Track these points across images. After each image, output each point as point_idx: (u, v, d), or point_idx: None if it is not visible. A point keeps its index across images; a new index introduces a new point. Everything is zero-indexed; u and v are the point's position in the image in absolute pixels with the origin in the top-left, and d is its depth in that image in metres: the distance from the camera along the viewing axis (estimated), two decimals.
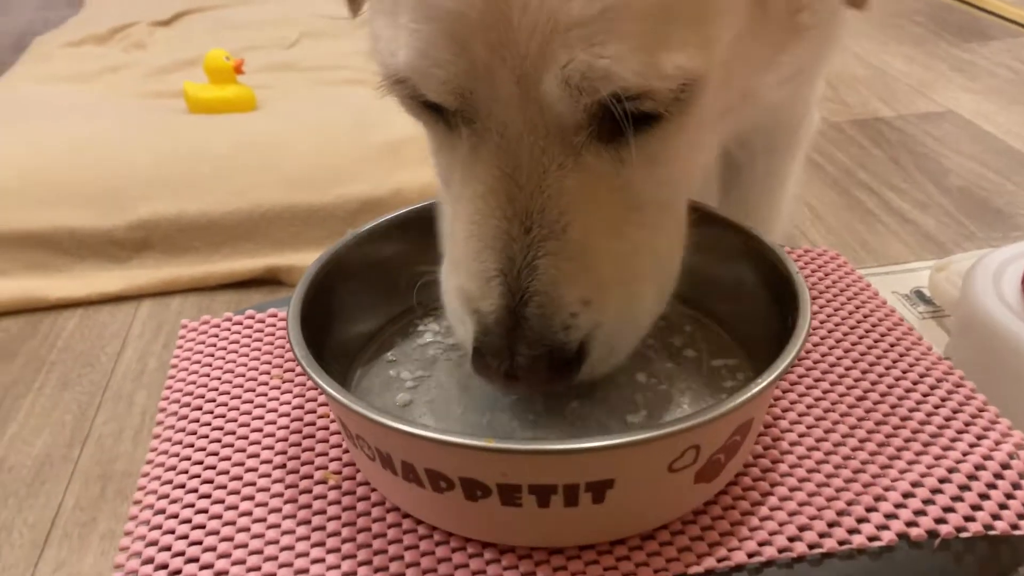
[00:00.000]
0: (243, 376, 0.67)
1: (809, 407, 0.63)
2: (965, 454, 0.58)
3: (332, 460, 0.60)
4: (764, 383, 0.50)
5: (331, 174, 1.33)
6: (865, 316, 0.72)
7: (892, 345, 0.68)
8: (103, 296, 1.25)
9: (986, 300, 0.96)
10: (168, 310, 1.24)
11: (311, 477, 0.58)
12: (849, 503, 0.55)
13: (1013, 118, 1.78)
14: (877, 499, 0.55)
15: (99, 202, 1.30)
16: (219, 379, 0.67)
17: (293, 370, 0.68)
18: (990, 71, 2.01)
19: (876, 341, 0.69)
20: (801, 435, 0.60)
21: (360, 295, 0.67)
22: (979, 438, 0.60)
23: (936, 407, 0.62)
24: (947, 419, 0.61)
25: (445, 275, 0.58)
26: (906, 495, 0.55)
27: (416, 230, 0.67)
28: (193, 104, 1.54)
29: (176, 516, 0.55)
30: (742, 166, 0.95)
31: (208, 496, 0.57)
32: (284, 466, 0.59)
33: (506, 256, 0.52)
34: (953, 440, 0.59)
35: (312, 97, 1.60)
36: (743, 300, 0.65)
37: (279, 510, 0.56)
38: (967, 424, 0.61)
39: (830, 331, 0.70)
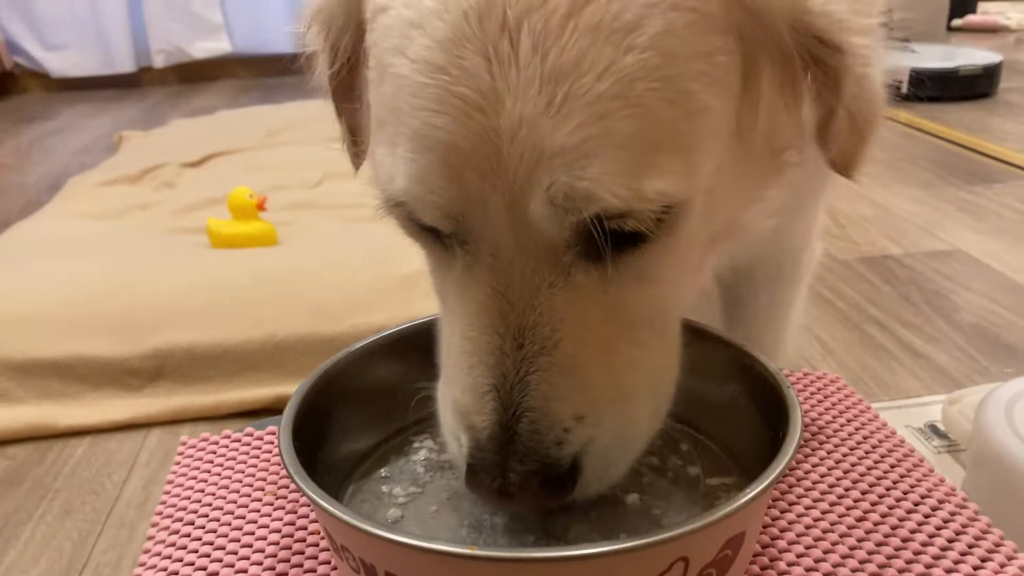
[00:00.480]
0: (237, 492, 0.67)
1: (808, 527, 0.62)
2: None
3: None
4: (753, 493, 0.50)
5: (347, 305, 1.36)
6: (865, 438, 0.71)
7: (892, 466, 0.67)
8: (113, 424, 1.25)
9: (999, 432, 0.94)
10: (177, 439, 1.22)
11: None
12: None
13: (1021, 257, 1.79)
14: None
15: (116, 332, 1.32)
16: (213, 495, 0.67)
17: (287, 487, 0.68)
18: (996, 212, 2.04)
19: (876, 462, 0.68)
20: (799, 555, 0.59)
21: (355, 412, 0.67)
22: (983, 560, 0.58)
23: (938, 528, 0.61)
24: (950, 540, 0.60)
25: (441, 390, 0.59)
26: None
27: (412, 348, 0.68)
28: (215, 239, 1.58)
29: None
30: (744, 298, 0.96)
31: None
32: None
33: (499, 372, 0.53)
34: (957, 562, 0.58)
35: (332, 233, 1.65)
36: (737, 418, 0.65)
37: None
38: (970, 547, 0.59)
39: (829, 452, 0.69)
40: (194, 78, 3.71)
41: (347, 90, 0.67)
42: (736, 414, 0.65)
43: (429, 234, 0.56)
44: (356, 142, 0.71)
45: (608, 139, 0.48)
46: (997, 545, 0.60)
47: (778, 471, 0.51)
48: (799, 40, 0.53)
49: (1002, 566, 0.58)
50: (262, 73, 3.75)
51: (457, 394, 0.55)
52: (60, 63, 3.63)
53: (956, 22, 3.96)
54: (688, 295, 0.62)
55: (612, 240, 0.51)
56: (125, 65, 3.66)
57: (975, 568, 0.58)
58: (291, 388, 1.26)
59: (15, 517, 1.06)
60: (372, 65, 0.55)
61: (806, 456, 0.68)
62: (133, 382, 1.30)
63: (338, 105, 0.70)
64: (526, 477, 0.52)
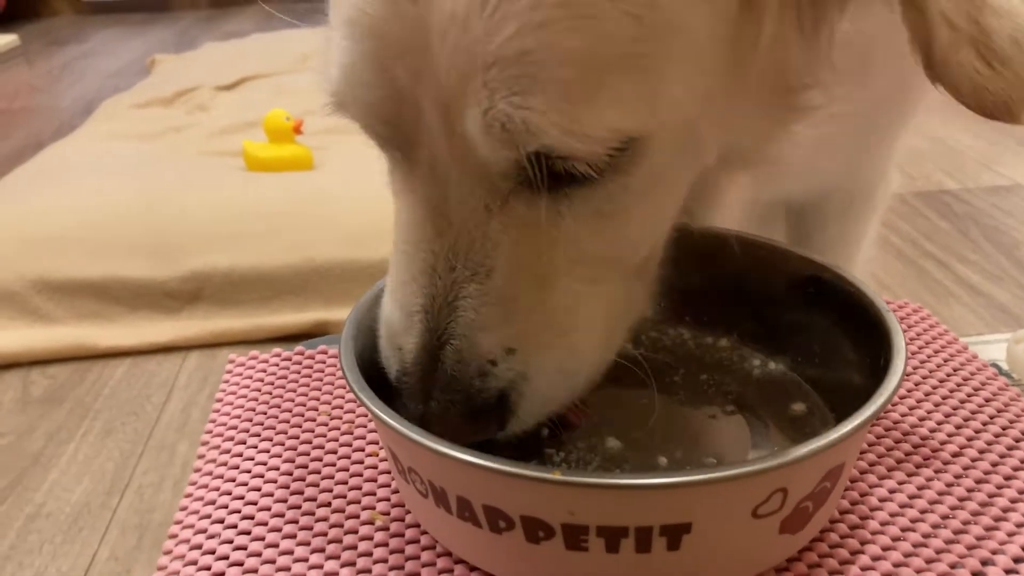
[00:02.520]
0: (289, 412, 0.64)
1: (900, 461, 0.57)
2: None
3: (380, 500, 0.56)
4: (857, 422, 0.45)
5: (384, 232, 1.32)
6: (955, 369, 0.67)
7: (987, 400, 0.63)
8: (152, 346, 1.24)
9: None
10: (215, 361, 1.22)
11: (357, 517, 0.54)
12: (952, 566, 0.49)
13: None
14: (984, 563, 0.49)
15: (154, 254, 1.30)
16: (264, 414, 0.64)
17: (342, 407, 0.65)
18: None
19: (969, 395, 0.63)
20: (892, 491, 0.55)
21: None
22: None
23: None
24: None
25: (383, 303, 0.55)
26: (1017, 560, 0.49)
27: None
28: (251, 162, 1.55)
29: (213, 552, 0.52)
30: (812, 231, 0.90)
31: (248, 533, 0.53)
32: (329, 504, 0.55)
33: (429, 293, 0.49)
34: None
35: (368, 159, 1.60)
36: (819, 341, 0.61)
37: (322, 550, 0.52)
38: None
39: (917, 383, 0.65)
40: (225, 2, 3.65)
41: None
42: (829, 340, 0.61)
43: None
44: None
45: (550, 54, 0.41)
46: None
47: (882, 401, 0.47)
48: None
49: None
50: None
51: (388, 311, 0.52)
52: None
53: None
54: (659, 231, 0.55)
55: (560, 178, 0.44)
56: None
57: None
58: (328, 314, 1.26)
59: (57, 436, 1.05)
60: None
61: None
62: (171, 304, 1.29)
63: None
64: (446, 406, 0.49)
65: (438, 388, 0.49)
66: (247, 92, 2.05)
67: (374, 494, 0.57)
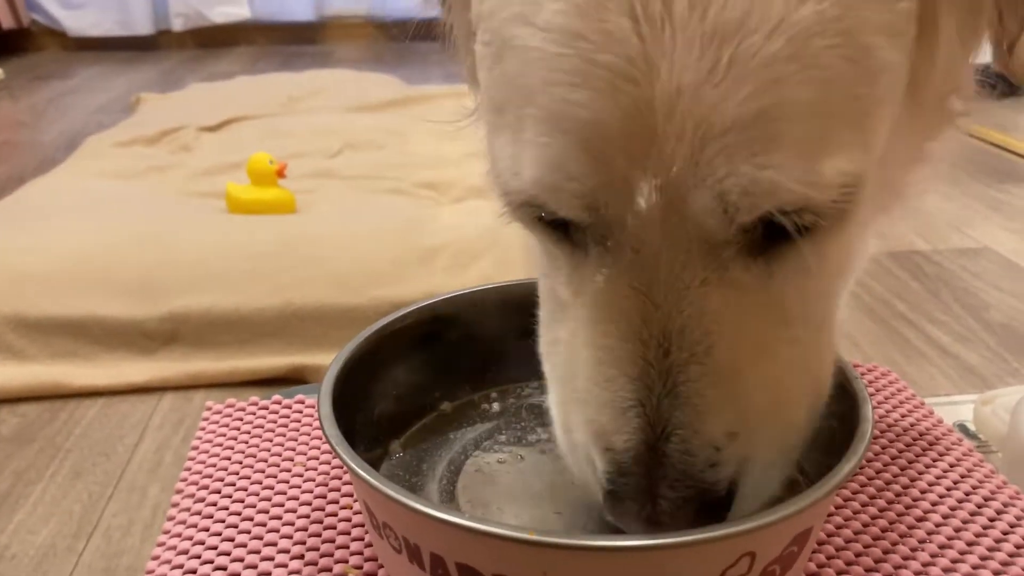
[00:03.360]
0: (265, 462, 0.64)
1: (866, 525, 0.59)
2: None
3: (353, 554, 0.56)
4: (825, 489, 0.47)
5: (365, 277, 1.33)
6: (921, 434, 0.68)
7: (952, 465, 0.64)
8: (127, 386, 1.23)
9: None
10: (190, 404, 1.21)
11: (330, 570, 0.55)
12: None
13: None
14: None
15: (132, 293, 1.30)
16: (240, 463, 0.64)
17: (317, 458, 0.65)
18: None
19: (935, 460, 0.65)
20: (858, 554, 0.56)
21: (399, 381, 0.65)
22: None
23: (1005, 534, 0.58)
24: (1017, 546, 0.57)
25: (559, 407, 0.52)
26: None
27: (452, 325, 0.66)
28: (233, 204, 1.56)
29: None
30: None
31: None
32: (302, 557, 0.55)
33: (643, 384, 0.46)
34: None
35: (351, 203, 1.63)
36: None
37: None
38: None
39: (884, 447, 0.66)
40: (212, 43, 3.67)
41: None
42: None
43: (558, 231, 0.49)
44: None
45: (786, 110, 0.41)
46: None
47: (850, 467, 0.48)
48: None
49: None
50: (281, 41, 3.72)
51: (592, 413, 0.48)
52: (78, 22, 3.61)
53: None
54: (850, 281, 0.54)
55: (775, 236, 0.44)
56: (143, 27, 3.63)
57: None
58: (306, 358, 1.26)
59: (25, 476, 1.04)
60: (485, 40, 0.48)
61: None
62: (148, 345, 1.28)
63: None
64: (678, 504, 0.46)
65: (666, 485, 0.46)
66: (231, 134, 2.06)
67: (348, 547, 0.57)
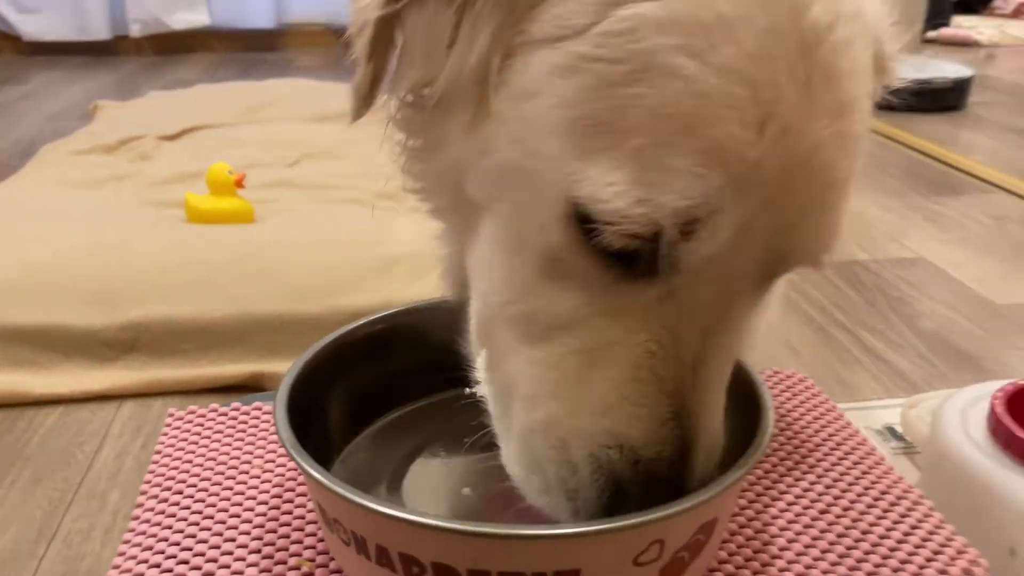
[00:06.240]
0: (225, 464, 0.69)
1: (774, 517, 0.65)
2: None
3: (307, 548, 0.61)
4: (728, 482, 0.52)
5: (323, 286, 1.36)
6: (830, 435, 0.75)
7: (855, 463, 0.71)
8: (86, 394, 1.24)
9: (955, 437, 0.98)
10: (150, 411, 1.23)
11: (285, 563, 0.59)
12: None
13: (982, 268, 1.84)
14: None
15: (92, 302, 1.31)
16: (201, 466, 0.68)
17: (274, 461, 0.69)
18: (961, 223, 2.09)
19: (840, 459, 0.71)
20: (765, 543, 0.62)
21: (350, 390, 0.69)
22: (935, 553, 0.62)
23: (895, 523, 0.65)
24: (905, 535, 0.63)
25: (550, 423, 0.53)
26: None
27: (410, 334, 0.71)
28: (192, 214, 1.58)
29: None
30: None
31: None
32: (259, 551, 0.60)
33: (678, 401, 0.51)
34: (911, 554, 0.61)
35: (309, 213, 1.65)
36: None
37: None
38: (924, 540, 0.63)
39: (796, 447, 0.73)
40: (170, 49, 3.65)
41: (390, 32, 0.59)
42: None
43: (612, 256, 0.48)
44: (373, 92, 0.64)
45: (852, 180, 0.51)
46: (948, 540, 0.64)
47: (750, 462, 0.54)
48: None
49: (952, 559, 0.62)
50: (240, 48, 3.70)
51: (622, 426, 0.51)
52: (33, 26, 3.55)
53: (930, 34, 4.04)
54: None
55: None
56: (100, 32, 3.59)
57: (927, 560, 0.62)
58: (264, 366, 1.29)
59: None
60: (611, 57, 0.46)
61: (774, 450, 0.71)
62: (107, 353, 1.29)
63: (375, 46, 0.61)
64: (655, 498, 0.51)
65: (693, 480, 0.52)
66: (190, 143, 2.07)
67: (302, 542, 0.62)
